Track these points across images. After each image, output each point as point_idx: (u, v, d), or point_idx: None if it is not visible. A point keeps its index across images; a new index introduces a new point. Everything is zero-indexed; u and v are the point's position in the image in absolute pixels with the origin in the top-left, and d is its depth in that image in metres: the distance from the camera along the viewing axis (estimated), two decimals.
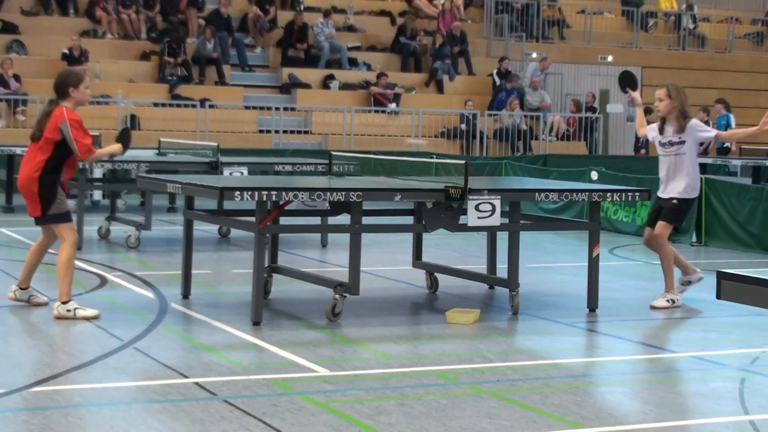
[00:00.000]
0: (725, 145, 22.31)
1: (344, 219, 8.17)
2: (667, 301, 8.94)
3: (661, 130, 8.97)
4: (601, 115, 24.90)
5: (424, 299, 9.28)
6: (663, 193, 8.98)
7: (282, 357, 6.71)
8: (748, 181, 18.04)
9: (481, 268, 9.66)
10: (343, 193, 7.64)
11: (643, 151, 22.99)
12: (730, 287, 4.12)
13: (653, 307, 8.90)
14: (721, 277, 4.13)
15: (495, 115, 23.60)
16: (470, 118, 23.14)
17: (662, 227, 8.93)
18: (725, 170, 20.60)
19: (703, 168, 19.64)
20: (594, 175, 11.54)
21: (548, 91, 25.30)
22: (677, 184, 8.89)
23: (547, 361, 7.02)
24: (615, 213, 14.52)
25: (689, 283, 9.30)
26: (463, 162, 8.02)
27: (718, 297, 4.17)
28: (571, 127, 24.50)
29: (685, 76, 27.30)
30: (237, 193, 7.37)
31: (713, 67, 28.11)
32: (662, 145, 8.96)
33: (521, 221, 8.72)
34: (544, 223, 10.60)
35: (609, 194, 8.92)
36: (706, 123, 24.29)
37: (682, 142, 8.85)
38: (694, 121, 8.97)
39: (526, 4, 27.11)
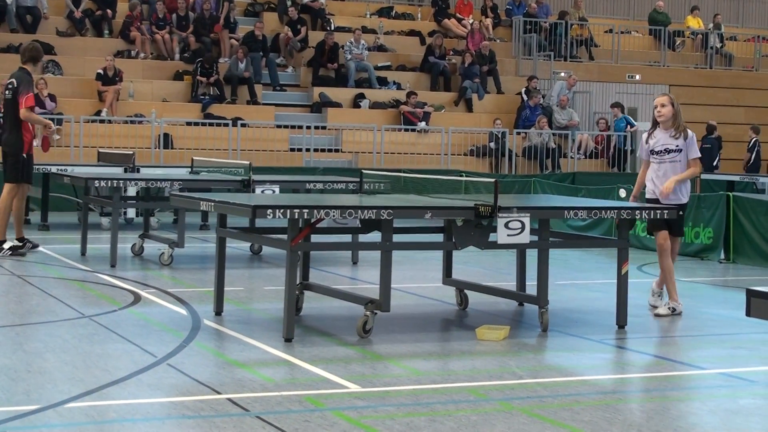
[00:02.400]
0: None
1: (375, 236, 8.23)
2: (669, 308, 9.36)
3: (650, 137, 9.40)
4: (629, 133, 24.86)
5: (454, 316, 9.31)
6: (664, 199, 9.26)
7: (314, 373, 6.76)
8: None
9: (511, 285, 9.69)
10: (374, 210, 7.69)
11: None
12: (760, 304, 4.15)
13: (657, 315, 9.36)
14: (751, 294, 4.15)
15: (521, 132, 23.63)
16: (499, 136, 23.17)
17: (678, 243, 9.57)
18: (753, 188, 20.51)
19: (731, 185, 19.59)
20: (622, 193, 11.54)
21: (576, 110, 25.30)
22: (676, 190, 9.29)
23: (576, 377, 7.05)
24: (643, 230, 14.50)
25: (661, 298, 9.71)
26: (492, 180, 8.09)
27: (748, 314, 4.19)
28: (600, 145, 24.48)
29: (713, 95, 27.27)
30: (269, 211, 7.42)
31: (740, 85, 28.01)
32: (657, 153, 9.35)
33: (550, 239, 8.76)
34: (574, 241, 10.62)
35: (638, 212, 8.96)
36: (755, 142, 24.02)
37: (680, 150, 9.30)
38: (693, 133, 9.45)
39: (554, 24, 27.16)
